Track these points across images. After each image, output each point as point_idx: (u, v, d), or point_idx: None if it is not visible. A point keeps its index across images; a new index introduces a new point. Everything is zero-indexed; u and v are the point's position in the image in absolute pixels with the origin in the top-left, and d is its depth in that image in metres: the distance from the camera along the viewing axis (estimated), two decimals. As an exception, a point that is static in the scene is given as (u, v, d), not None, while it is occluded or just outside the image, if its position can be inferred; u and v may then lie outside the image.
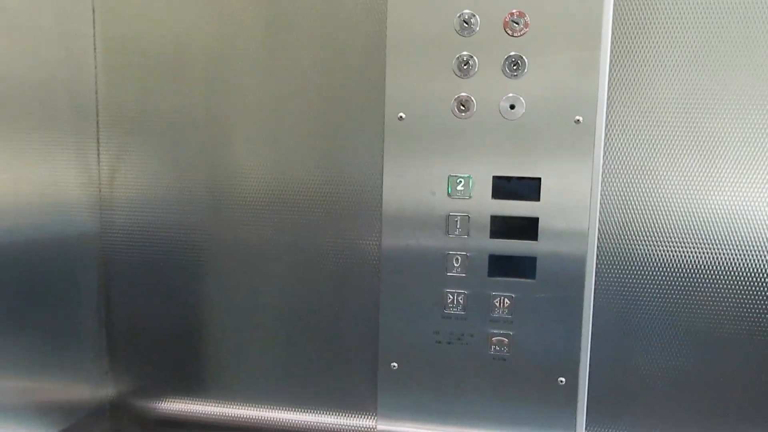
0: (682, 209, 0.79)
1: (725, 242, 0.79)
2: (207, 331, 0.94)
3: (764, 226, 0.78)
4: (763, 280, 0.78)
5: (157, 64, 0.89)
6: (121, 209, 0.93)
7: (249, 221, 0.90)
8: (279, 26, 0.85)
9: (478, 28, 0.77)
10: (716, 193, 0.78)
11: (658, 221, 0.80)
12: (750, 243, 0.78)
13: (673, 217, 0.79)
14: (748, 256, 0.78)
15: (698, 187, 0.79)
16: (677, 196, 0.79)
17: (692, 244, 0.79)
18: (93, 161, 0.92)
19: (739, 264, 0.79)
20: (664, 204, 0.79)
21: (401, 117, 0.80)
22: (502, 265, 0.80)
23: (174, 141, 0.90)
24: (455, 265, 0.81)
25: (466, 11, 0.77)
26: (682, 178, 0.79)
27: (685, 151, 0.78)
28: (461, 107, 0.79)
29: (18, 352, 0.81)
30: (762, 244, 0.78)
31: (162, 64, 0.89)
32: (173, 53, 0.88)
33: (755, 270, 0.78)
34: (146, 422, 0.98)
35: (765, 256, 0.78)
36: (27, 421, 0.84)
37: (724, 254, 0.79)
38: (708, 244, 0.79)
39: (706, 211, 0.79)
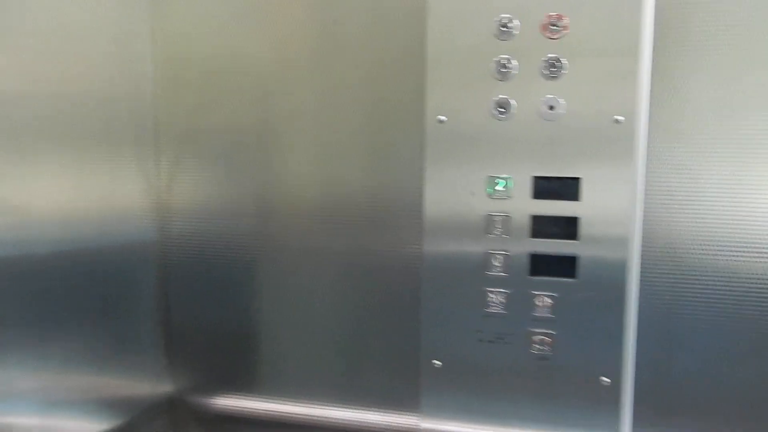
0: (727, 213, 0.77)
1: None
2: (258, 331, 0.96)
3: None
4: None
5: (211, 79, 0.93)
6: (178, 217, 0.97)
7: (298, 226, 0.92)
8: (326, 37, 0.88)
9: (516, 32, 0.78)
10: (763, 195, 0.76)
11: (703, 223, 0.78)
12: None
13: (717, 221, 0.78)
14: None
15: (744, 190, 0.77)
16: (722, 198, 0.77)
17: (738, 248, 0.77)
18: (152, 172, 0.96)
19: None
20: (708, 206, 0.78)
21: (441, 120, 0.82)
22: (543, 265, 0.80)
23: (227, 151, 0.93)
24: (496, 264, 0.82)
25: (505, 15, 0.78)
26: (727, 181, 0.77)
27: (729, 153, 0.76)
28: (500, 109, 0.80)
29: (83, 350, 0.85)
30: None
31: (216, 79, 0.93)
32: (226, 69, 0.92)
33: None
34: (201, 416, 1.01)
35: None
36: (91, 414, 0.88)
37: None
38: (754, 250, 0.77)
39: (753, 215, 0.77)
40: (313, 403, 0.96)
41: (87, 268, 0.85)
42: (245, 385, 0.99)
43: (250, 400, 0.99)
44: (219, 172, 0.94)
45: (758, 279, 0.78)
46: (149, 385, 0.99)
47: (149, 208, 0.97)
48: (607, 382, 0.80)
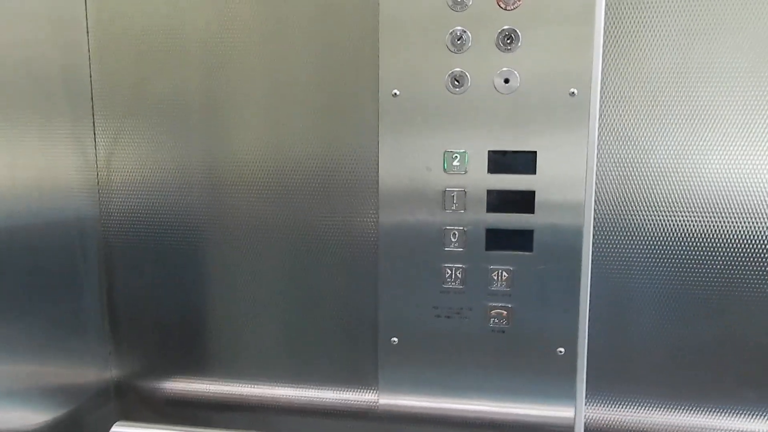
0: (676, 178, 0.79)
1: (719, 209, 0.79)
2: (209, 310, 0.94)
3: (757, 192, 0.78)
4: (758, 245, 0.79)
5: (151, 48, 0.89)
6: (120, 193, 0.93)
7: (248, 202, 0.90)
8: (273, 6, 0.85)
9: (470, 2, 0.77)
10: (709, 161, 0.78)
11: (653, 191, 0.80)
12: (743, 209, 0.78)
13: (667, 187, 0.80)
14: (741, 222, 0.79)
15: (691, 156, 0.79)
16: (671, 165, 0.79)
17: (687, 212, 0.80)
18: (89, 146, 0.92)
19: (733, 230, 0.79)
20: (659, 173, 0.80)
21: (395, 94, 0.80)
22: (499, 239, 0.80)
23: (171, 123, 0.90)
24: (453, 239, 0.81)
25: (459, -15, 0.77)
26: (676, 148, 0.79)
27: (678, 121, 0.78)
28: (455, 82, 0.78)
29: (21, 337, 0.82)
30: (755, 209, 0.78)
31: (156, 48, 0.89)
32: (167, 36, 0.88)
33: (748, 235, 0.79)
34: (151, 402, 0.99)
35: (758, 222, 0.79)
36: (33, 404, 0.85)
37: (717, 221, 0.79)
38: (702, 212, 0.79)
39: (700, 179, 0.79)
40: (267, 384, 0.95)
41: (24, 248, 0.82)
42: (196, 367, 0.96)
43: (202, 383, 0.97)
44: (162, 144, 0.91)
45: (707, 240, 0.80)
46: (94, 370, 0.96)
47: (89, 184, 0.93)
48: (563, 352, 0.81)
